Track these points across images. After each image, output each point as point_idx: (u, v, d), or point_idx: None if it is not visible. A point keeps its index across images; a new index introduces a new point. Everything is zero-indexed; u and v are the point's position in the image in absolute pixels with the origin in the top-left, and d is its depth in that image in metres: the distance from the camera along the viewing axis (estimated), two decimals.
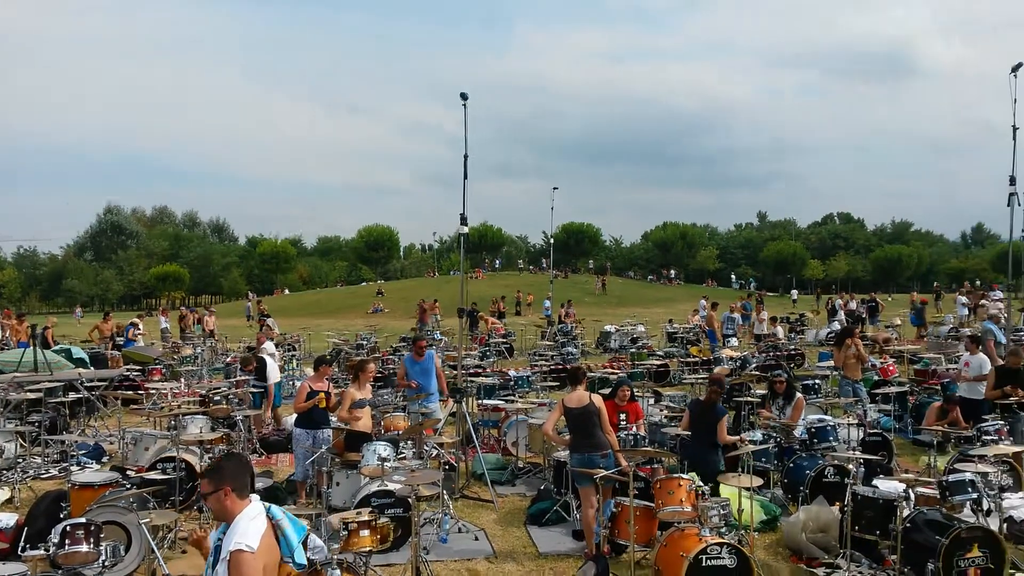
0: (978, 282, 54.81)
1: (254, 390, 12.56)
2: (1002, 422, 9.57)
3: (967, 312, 28.45)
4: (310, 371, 13.92)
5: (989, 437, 9.07)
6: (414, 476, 6.51)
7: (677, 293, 63.41)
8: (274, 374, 13.17)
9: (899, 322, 26.79)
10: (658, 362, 19.09)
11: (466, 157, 9.83)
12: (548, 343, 24.29)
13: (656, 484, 6.80)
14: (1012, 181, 11.03)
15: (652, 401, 12.82)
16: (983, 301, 28.38)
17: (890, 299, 50.31)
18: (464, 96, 9.78)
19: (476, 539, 7.92)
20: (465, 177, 9.85)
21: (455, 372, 11.55)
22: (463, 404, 10.47)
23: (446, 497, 8.34)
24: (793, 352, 20.78)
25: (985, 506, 7.41)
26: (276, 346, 18.34)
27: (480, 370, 16.64)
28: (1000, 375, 10.51)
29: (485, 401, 12.95)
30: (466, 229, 10.08)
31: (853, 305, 32.36)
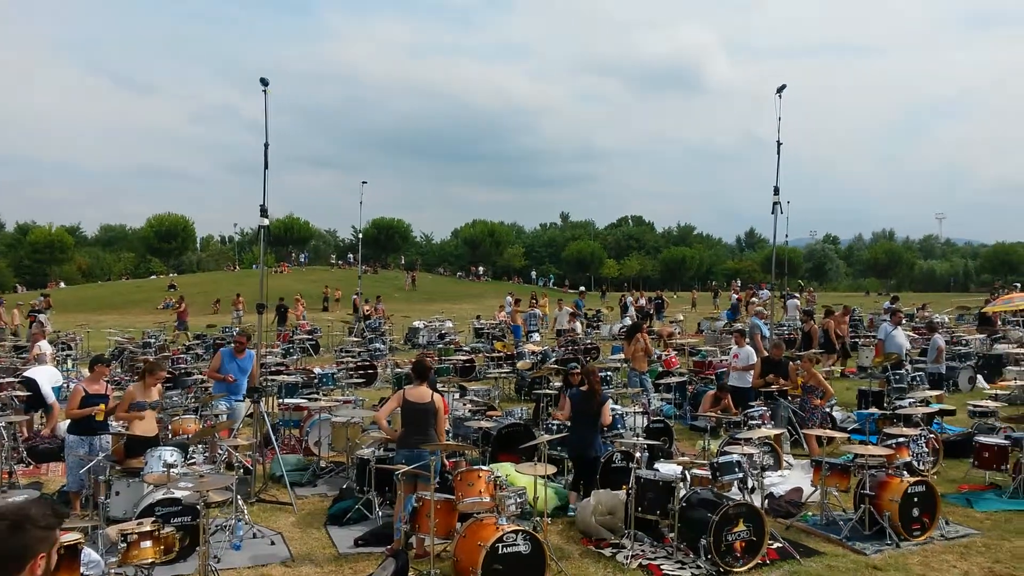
0: (738, 281, 60.53)
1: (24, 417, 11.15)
2: (765, 408, 10.70)
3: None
4: (88, 372, 12.73)
5: (754, 422, 10.12)
6: (203, 482, 6.16)
7: (485, 289, 64.66)
8: (53, 380, 11.94)
9: (682, 317, 29.06)
10: (464, 357, 19.39)
11: (267, 145, 9.41)
12: (355, 339, 23.88)
13: (457, 477, 6.92)
14: (776, 191, 12.32)
15: (457, 395, 13.02)
16: (752, 299, 31.44)
17: (675, 296, 54.51)
18: (264, 81, 9.36)
19: (272, 543, 7.63)
20: (266, 167, 9.43)
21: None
22: (261, 404, 10.05)
23: (240, 502, 7.97)
24: (589, 346, 21.90)
25: (750, 484, 8.25)
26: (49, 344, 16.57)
27: (282, 368, 16.04)
28: (765, 365, 11.73)
29: (287, 400, 12.51)
30: (266, 221, 9.64)
31: (643, 302, 34.68)
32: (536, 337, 23.87)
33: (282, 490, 9.27)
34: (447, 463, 8.61)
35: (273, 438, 10.07)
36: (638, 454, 8.20)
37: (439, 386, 11.30)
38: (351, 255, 76.58)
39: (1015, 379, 13.84)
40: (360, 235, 39.70)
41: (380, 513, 8.24)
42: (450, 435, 9.80)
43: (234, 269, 75.17)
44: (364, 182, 26.82)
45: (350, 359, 18.17)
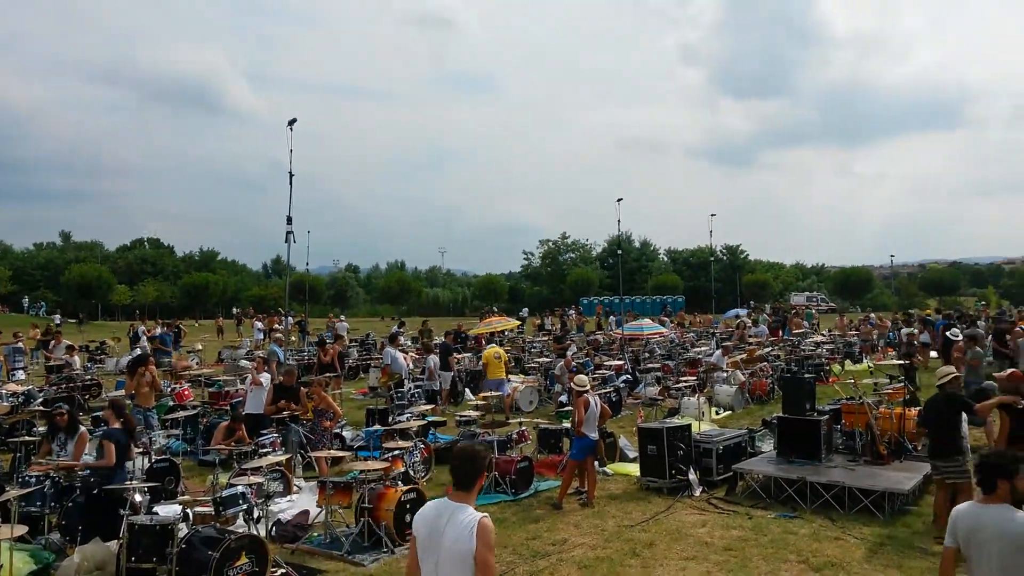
0: (245, 307, 60.36)
1: None
2: (277, 434, 10.77)
3: (262, 336, 31.21)
4: None
5: (265, 449, 10.11)
6: None
7: None
8: None
9: (201, 347, 27.72)
10: None
11: None
12: None
13: None
14: (289, 220, 12.61)
15: None
16: (276, 326, 31.51)
17: (196, 325, 51.81)
18: None
19: None
20: None
21: None
22: None
23: None
24: (90, 382, 19.49)
25: (255, 514, 8.20)
26: None
27: None
28: (277, 392, 11.79)
29: None
30: None
31: (159, 331, 32.18)
32: (20, 375, 20.39)
33: None
34: None
35: None
36: (138, 498, 7.56)
37: None
38: None
39: (491, 391, 16.25)
40: None
41: None
42: None
43: None
44: None
45: None
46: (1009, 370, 9.10)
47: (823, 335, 27.13)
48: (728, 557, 7.86)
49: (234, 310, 59.45)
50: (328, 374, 15.70)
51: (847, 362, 23.25)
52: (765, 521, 8.96)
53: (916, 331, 24.00)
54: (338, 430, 12.65)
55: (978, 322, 21.99)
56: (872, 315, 34.91)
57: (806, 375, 12.68)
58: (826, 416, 10.67)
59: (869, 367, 20.44)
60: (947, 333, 17.71)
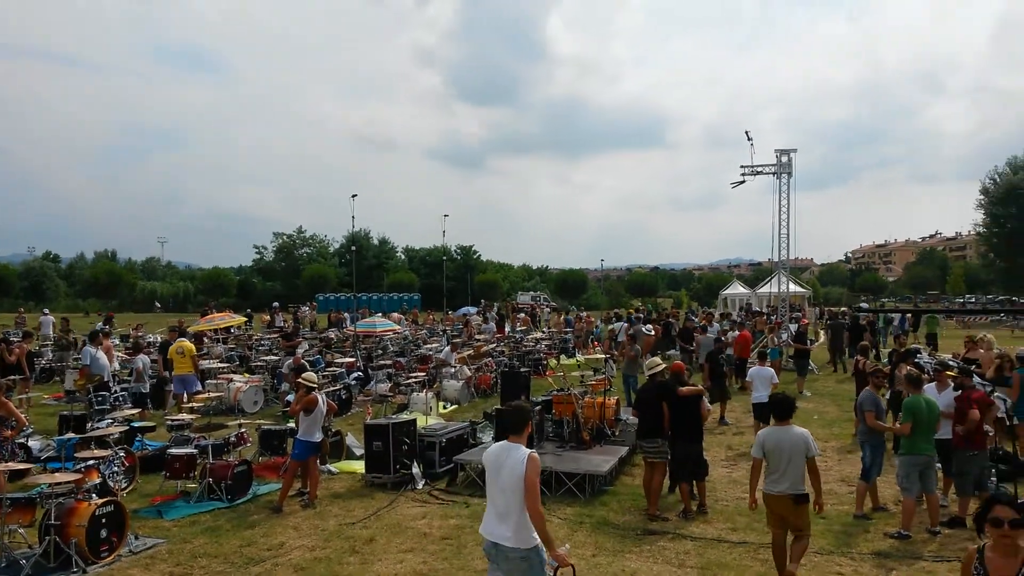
0: None
1: None
2: None
3: None
4: None
5: None
6: None
7: None
8: None
9: None
10: None
11: None
12: None
13: None
14: None
15: None
16: None
17: None
18: None
19: None
20: None
21: None
22: None
23: None
24: None
25: None
26: None
27: None
28: None
29: None
30: None
31: None
32: None
33: None
34: None
35: None
36: None
37: None
38: None
39: (210, 392, 15.34)
40: None
41: None
42: None
43: None
44: None
45: None
46: (675, 362, 10.43)
47: (543, 332, 29.10)
48: (444, 546, 8.17)
49: None
50: (12, 377, 13.78)
51: (562, 356, 25.20)
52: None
53: (625, 325, 26.70)
54: (23, 439, 11.18)
55: (665, 321, 25.01)
56: (583, 314, 38.09)
57: (523, 369, 13.55)
58: (539, 406, 11.49)
59: (578, 361, 22.26)
60: (643, 329, 19.88)
